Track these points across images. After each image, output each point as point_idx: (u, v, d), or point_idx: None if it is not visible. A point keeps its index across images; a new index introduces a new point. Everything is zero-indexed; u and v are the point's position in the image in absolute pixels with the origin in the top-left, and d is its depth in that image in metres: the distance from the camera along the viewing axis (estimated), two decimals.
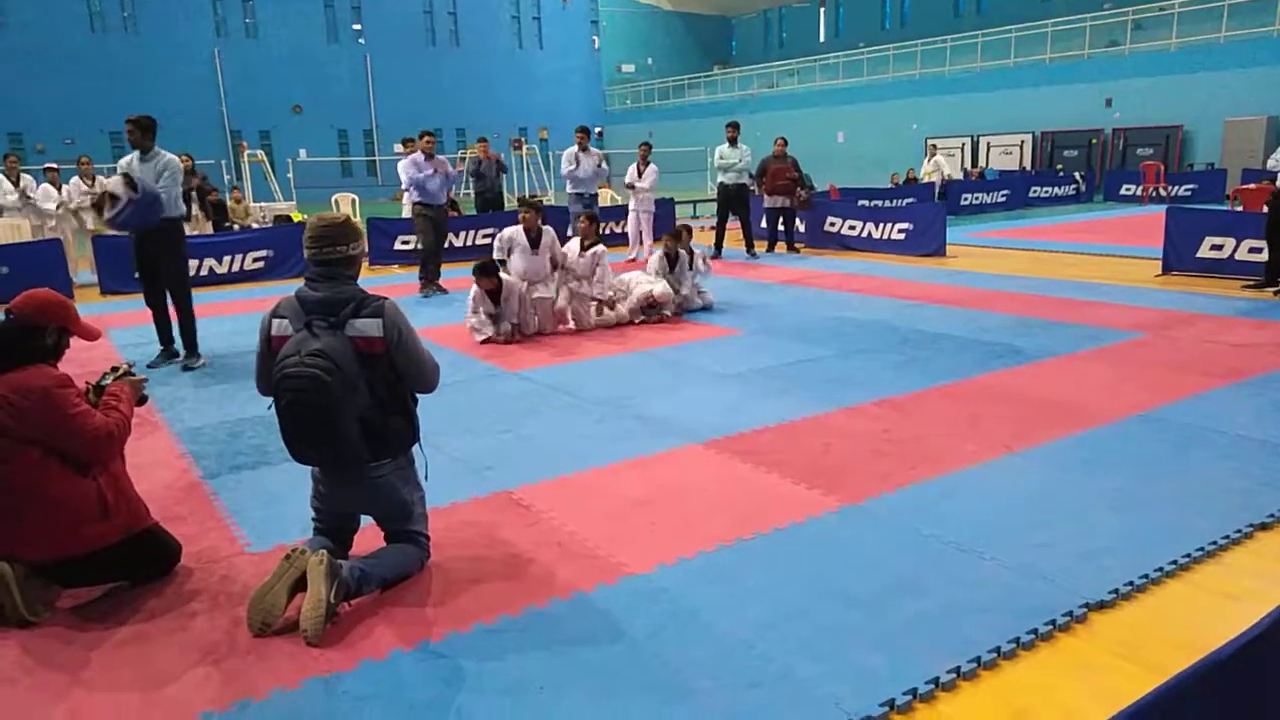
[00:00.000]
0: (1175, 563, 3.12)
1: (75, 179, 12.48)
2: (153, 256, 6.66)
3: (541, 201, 8.30)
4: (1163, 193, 19.46)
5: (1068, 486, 3.86)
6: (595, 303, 7.71)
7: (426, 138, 9.97)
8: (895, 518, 3.58)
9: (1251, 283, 8.60)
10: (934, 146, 20.63)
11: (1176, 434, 4.49)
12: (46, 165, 12.70)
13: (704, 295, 8.52)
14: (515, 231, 7.61)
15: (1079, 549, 3.24)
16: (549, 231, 7.69)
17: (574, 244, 7.90)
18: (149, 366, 6.75)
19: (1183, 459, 4.15)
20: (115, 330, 8.38)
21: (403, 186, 13.19)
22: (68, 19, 30.67)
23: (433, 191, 9.89)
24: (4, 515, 2.91)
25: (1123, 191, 20.70)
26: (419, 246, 10.35)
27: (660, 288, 7.90)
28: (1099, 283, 9.26)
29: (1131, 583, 2.97)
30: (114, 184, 6.30)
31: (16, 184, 11.93)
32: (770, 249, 13.03)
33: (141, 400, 3.40)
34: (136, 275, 6.89)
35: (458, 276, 10.52)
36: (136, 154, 6.54)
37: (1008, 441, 4.44)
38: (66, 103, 30.20)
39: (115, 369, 3.37)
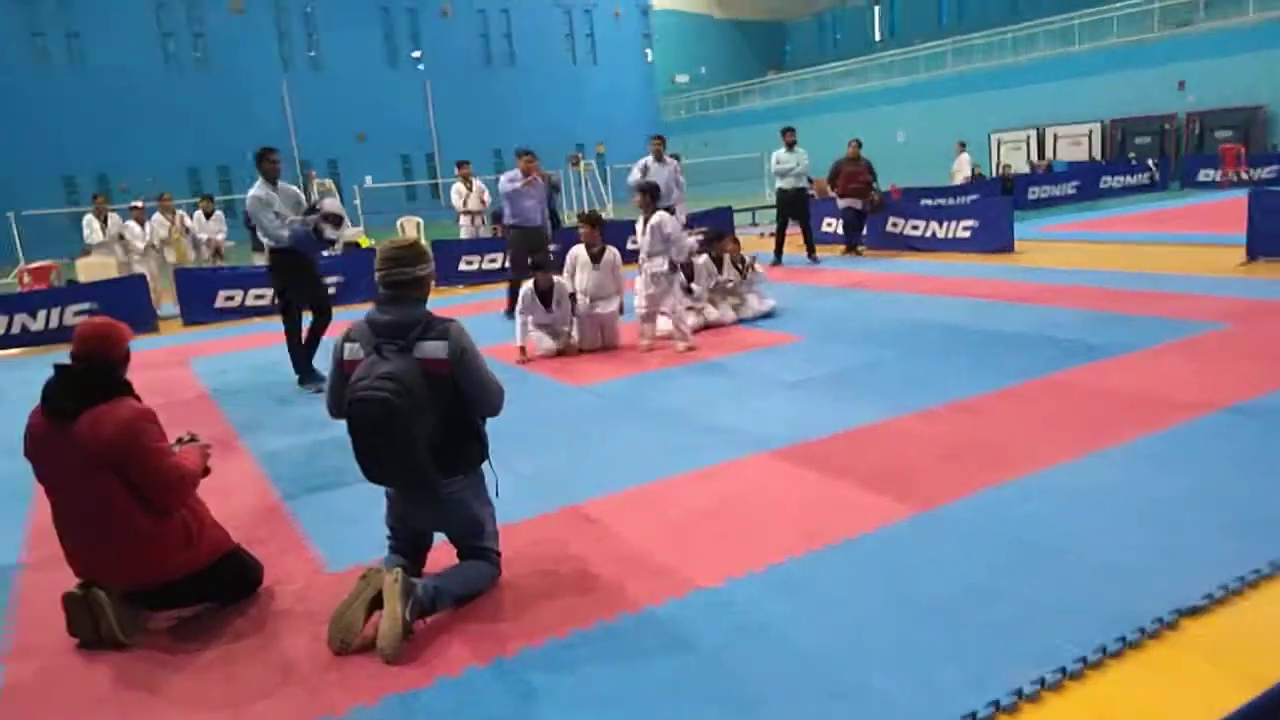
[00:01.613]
0: (1273, 563, 2.97)
1: (157, 215, 13.05)
2: (303, 279, 6.91)
3: (600, 215, 8.14)
4: (1244, 176, 18.65)
5: (1151, 486, 3.71)
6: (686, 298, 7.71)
7: (527, 156, 9.30)
8: (970, 523, 3.49)
9: None
10: (961, 144, 20.00)
11: (1264, 427, 4.28)
12: (131, 204, 13.29)
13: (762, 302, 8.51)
14: (578, 249, 7.68)
15: (1167, 551, 3.12)
16: (611, 249, 7.70)
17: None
18: (303, 389, 6.86)
19: (1271, 453, 3.95)
20: (196, 359, 8.71)
21: (458, 211, 13.31)
22: (144, 61, 32.12)
23: (526, 211, 9.28)
24: (95, 543, 3.04)
25: (1200, 177, 19.90)
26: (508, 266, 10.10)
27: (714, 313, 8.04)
28: (1177, 273, 8.89)
29: (1226, 586, 2.84)
30: (333, 204, 6.73)
31: (105, 224, 12.53)
32: (847, 251, 12.90)
33: (205, 472, 3.35)
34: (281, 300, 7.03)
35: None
36: (265, 183, 6.71)
37: (1085, 441, 4.29)
38: (145, 143, 31.58)
39: (180, 439, 3.38)
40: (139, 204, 13.28)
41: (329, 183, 23.35)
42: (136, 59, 31.86)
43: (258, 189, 6.70)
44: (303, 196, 6.90)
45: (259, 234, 7.29)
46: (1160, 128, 23.28)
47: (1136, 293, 8.01)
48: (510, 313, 9.61)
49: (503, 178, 9.51)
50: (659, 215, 7.39)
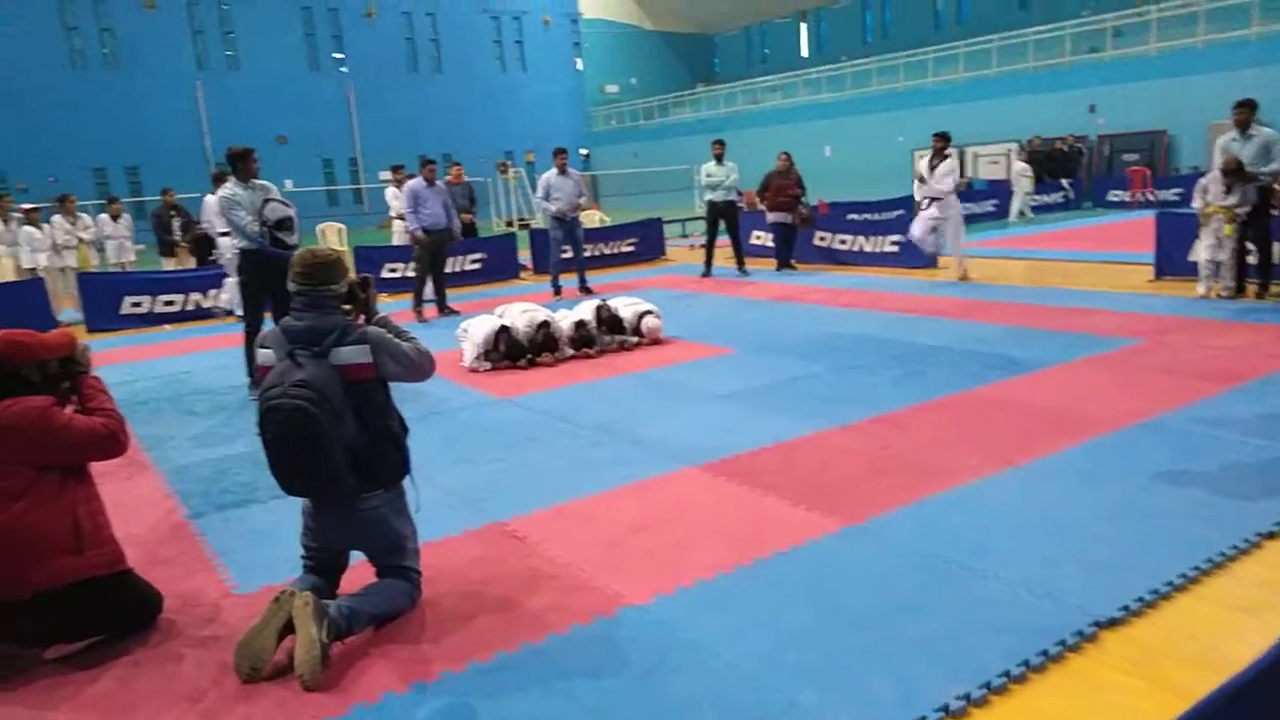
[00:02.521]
0: (1184, 575, 3.05)
1: (57, 217, 12.41)
2: (275, 283, 6.60)
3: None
4: (1151, 197, 19.54)
5: (1071, 499, 3.80)
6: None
7: (429, 165, 10.02)
8: (897, 537, 3.51)
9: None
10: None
11: (1178, 441, 4.44)
12: (25, 206, 12.62)
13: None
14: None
15: (1085, 563, 3.18)
16: None
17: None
18: (251, 398, 6.55)
19: (1185, 467, 4.09)
20: (100, 368, 8.28)
21: (391, 214, 13.20)
22: (48, 57, 30.55)
23: (437, 215, 9.96)
24: None
25: (1110, 197, 20.78)
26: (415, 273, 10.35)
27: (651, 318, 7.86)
28: (1093, 290, 9.24)
29: (1141, 598, 2.90)
30: (271, 210, 6.44)
31: (7, 224, 11.88)
32: (780, 267, 12.91)
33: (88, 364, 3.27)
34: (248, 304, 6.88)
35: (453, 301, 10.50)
36: (236, 183, 6.54)
37: (1008, 454, 4.38)
38: (49, 141, 30.02)
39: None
40: (30, 206, 12.62)
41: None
42: (38, 53, 30.30)
43: (228, 188, 6.55)
44: (273, 191, 6.64)
45: (232, 233, 7.01)
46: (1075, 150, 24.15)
47: (1056, 308, 8.28)
48: (420, 320, 9.72)
49: (408, 187, 10.11)
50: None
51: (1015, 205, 19.33)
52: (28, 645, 2.92)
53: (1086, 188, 21.99)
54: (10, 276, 12.00)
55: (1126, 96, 22.87)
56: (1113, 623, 2.79)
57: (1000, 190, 20.95)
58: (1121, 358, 6.25)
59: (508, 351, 7.12)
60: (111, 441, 3.06)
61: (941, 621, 2.84)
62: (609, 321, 7.65)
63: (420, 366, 3.13)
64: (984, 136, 25.89)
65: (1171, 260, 9.54)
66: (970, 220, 18.83)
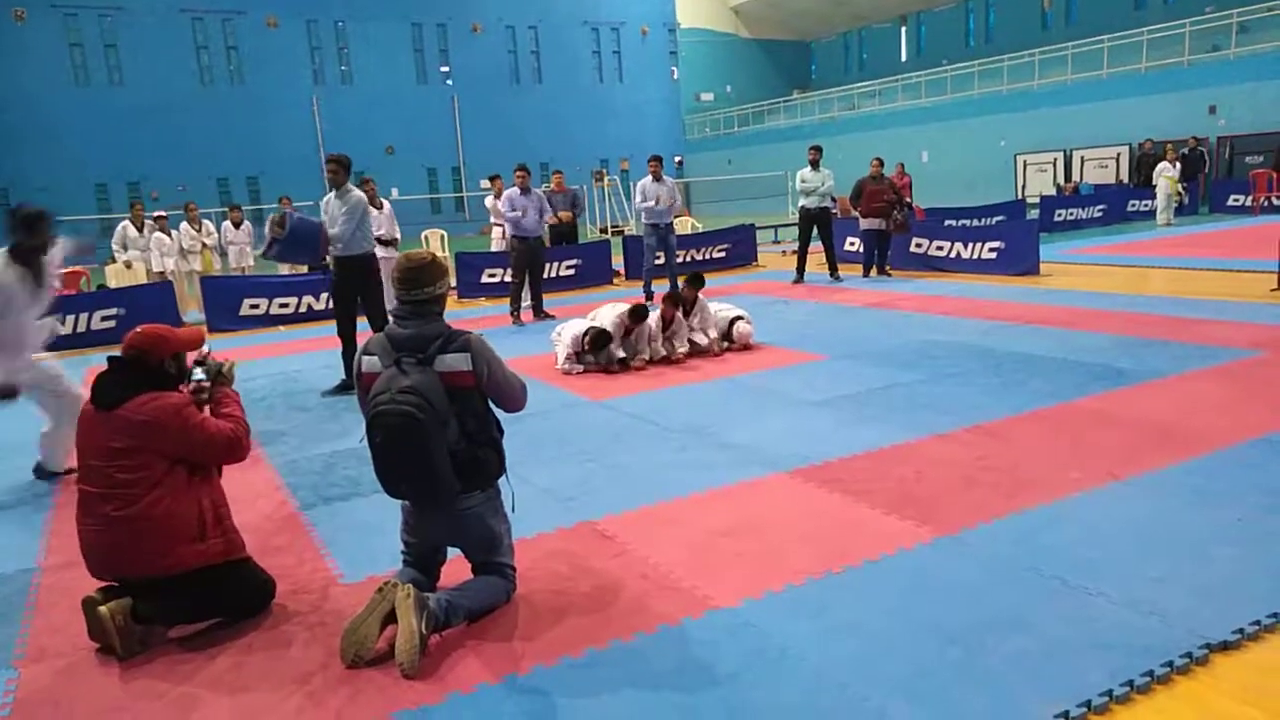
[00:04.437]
0: None
1: (184, 224, 13.22)
2: (351, 288, 7.00)
3: (679, 299, 7.87)
4: (1275, 202, 18.40)
5: (1181, 517, 3.63)
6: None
7: (520, 172, 10.22)
8: (993, 550, 3.43)
9: None
10: (1168, 147, 19.18)
11: None
12: (157, 214, 13.47)
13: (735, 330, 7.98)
14: (655, 316, 7.59)
15: (1196, 585, 3.04)
16: (680, 319, 7.68)
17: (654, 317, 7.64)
18: (323, 394, 7.03)
19: None
20: None
21: (491, 221, 13.56)
22: (180, 74, 32.64)
23: (528, 225, 10.15)
24: (108, 531, 3.04)
25: (1230, 202, 19.66)
26: (511, 279, 10.60)
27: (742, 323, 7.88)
28: (1209, 299, 8.76)
29: (1258, 622, 2.76)
30: (269, 223, 6.66)
31: (141, 230, 12.73)
32: (866, 274, 12.75)
33: (231, 380, 3.57)
34: (331, 305, 7.24)
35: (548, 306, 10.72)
36: (334, 192, 6.86)
37: (1113, 469, 4.21)
38: (179, 152, 32.06)
39: (201, 362, 3.48)
40: (163, 214, 13.46)
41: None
42: (171, 70, 32.36)
43: (325, 197, 6.94)
44: (358, 206, 6.87)
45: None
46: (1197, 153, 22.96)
47: (1166, 317, 7.90)
48: (517, 325, 9.94)
49: (505, 195, 10.38)
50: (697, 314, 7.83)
51: (1161, 207, 18.10)
52: (155, 624, 3.13)
53: (1203, 192, 20.85)
54: (142, 279, 12.84)
55: (1251, 96, 21.62)
56: (1225, 646, 2.66)
57: (1108, 195, 20.09)
58: (1239, 370, 5.92)
59: (594, 341, 7.23)
60: (236, 446, 3.25)
61: (1039, 638, 2.76)
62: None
63: (513, 388, 3.21)
64: (1091, 140, 24.91)
65: None
66: (1077, 226, 18.21)
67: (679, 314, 7.69)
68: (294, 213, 6.86)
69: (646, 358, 7.44)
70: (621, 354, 7.37)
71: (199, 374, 3.45)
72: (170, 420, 3.08)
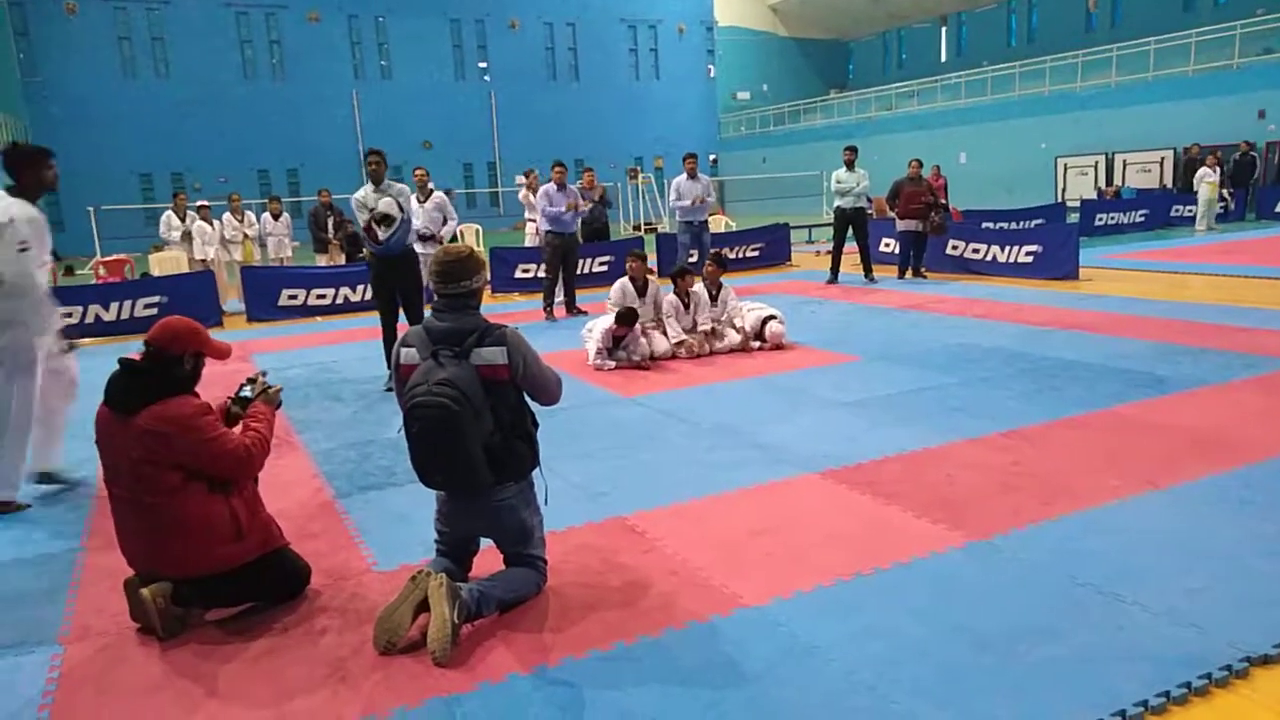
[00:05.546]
0: None
1: (227, 214, 13.44)
2: (395, 281, 6.97)
3: (645, 255, 8.27)
4: None
5: (1221, 528, 3.57)
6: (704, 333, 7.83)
7: (558, 168, 10.31)
8: (1027, 556, 3.40)
9: None
10: (1206, 153, 18.71)
11: None
12: (200, 204, 13.71)
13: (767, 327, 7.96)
14: (624, 283, 7.91)
15: (1236, 597, 2.99)
16: (654, 282, 8.04)
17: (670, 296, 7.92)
18: (386, 390, 6.84)
19: None
20: (259, 355, 8.92)
21: (526, 216, 13.64)
22: (223, 68, 33.26)
23: (564, 220, 10.26)
24: (146, 535, 3.11)
25: (1278, 209, 19.23)
26: (546, 274, 10.67)
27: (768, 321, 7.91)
28: (1254, 307, 8.59)
29: None
30: (386, 205, 6.61)
31: (183, 219, 12.97)
32: (901, 275, 12.65)
33: (277, 405, 3.58)
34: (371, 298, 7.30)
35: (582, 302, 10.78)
36: (369, 185, 6.76)
37: (1152, 477, 4.15)
38: (221, 144, 32.70)
39: (252, 380, 3.55)
40: (205, 204, 13.70)
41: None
42: (216, 63, 32.99)
43: (360, 192, 6.83)
44: (409, 197, 6.91)
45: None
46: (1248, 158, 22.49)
47: (1210, 325, 7.75)
48: (550, 314, 10.03)
49: (542, 191, 10.46)
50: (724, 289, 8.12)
51: (1201, 213, 17.70)
52: (194, 607, 3.20)
53: (1250, 198, 20.40)
54: (184, 268, 13.08)
55: None
56: (1266, 660, 2.62)
57: (1151, 199, 19.74)
58: None
59: (621, 318, 7.33)
60: (245, 463, 3.15)
61: (1072, 646, 2.74)
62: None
63: (548, 381, 3.24)
64: (1135, 143, 24.51)
65: None
66: (1119, 230, 17.91)
67: (695, 290, 7.93)
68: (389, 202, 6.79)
69: (680, 337, 7.63)
70: (654, 348, 7.49)
71: (246, 391, 3.50)
72: (180, 433, 3.01)
